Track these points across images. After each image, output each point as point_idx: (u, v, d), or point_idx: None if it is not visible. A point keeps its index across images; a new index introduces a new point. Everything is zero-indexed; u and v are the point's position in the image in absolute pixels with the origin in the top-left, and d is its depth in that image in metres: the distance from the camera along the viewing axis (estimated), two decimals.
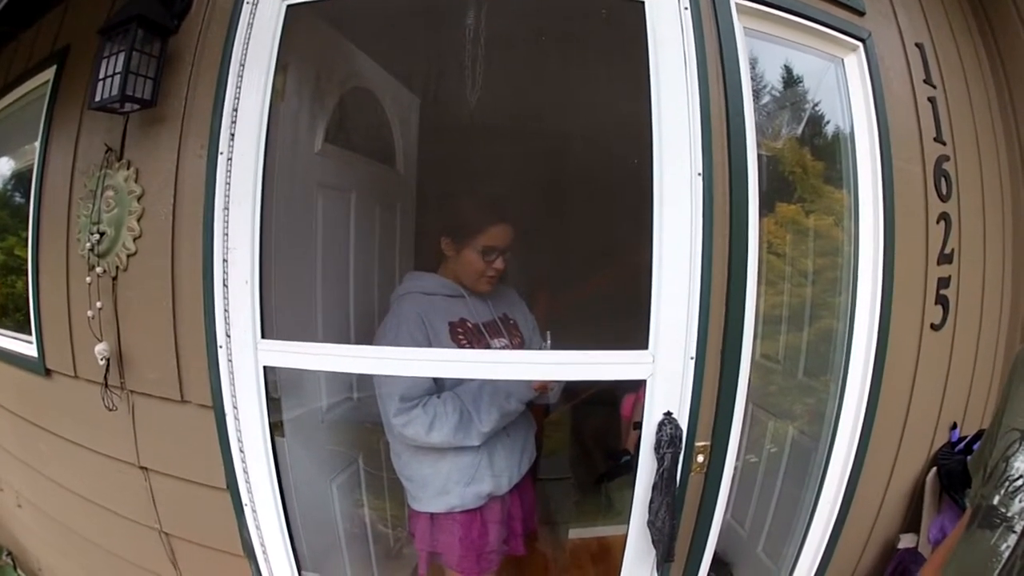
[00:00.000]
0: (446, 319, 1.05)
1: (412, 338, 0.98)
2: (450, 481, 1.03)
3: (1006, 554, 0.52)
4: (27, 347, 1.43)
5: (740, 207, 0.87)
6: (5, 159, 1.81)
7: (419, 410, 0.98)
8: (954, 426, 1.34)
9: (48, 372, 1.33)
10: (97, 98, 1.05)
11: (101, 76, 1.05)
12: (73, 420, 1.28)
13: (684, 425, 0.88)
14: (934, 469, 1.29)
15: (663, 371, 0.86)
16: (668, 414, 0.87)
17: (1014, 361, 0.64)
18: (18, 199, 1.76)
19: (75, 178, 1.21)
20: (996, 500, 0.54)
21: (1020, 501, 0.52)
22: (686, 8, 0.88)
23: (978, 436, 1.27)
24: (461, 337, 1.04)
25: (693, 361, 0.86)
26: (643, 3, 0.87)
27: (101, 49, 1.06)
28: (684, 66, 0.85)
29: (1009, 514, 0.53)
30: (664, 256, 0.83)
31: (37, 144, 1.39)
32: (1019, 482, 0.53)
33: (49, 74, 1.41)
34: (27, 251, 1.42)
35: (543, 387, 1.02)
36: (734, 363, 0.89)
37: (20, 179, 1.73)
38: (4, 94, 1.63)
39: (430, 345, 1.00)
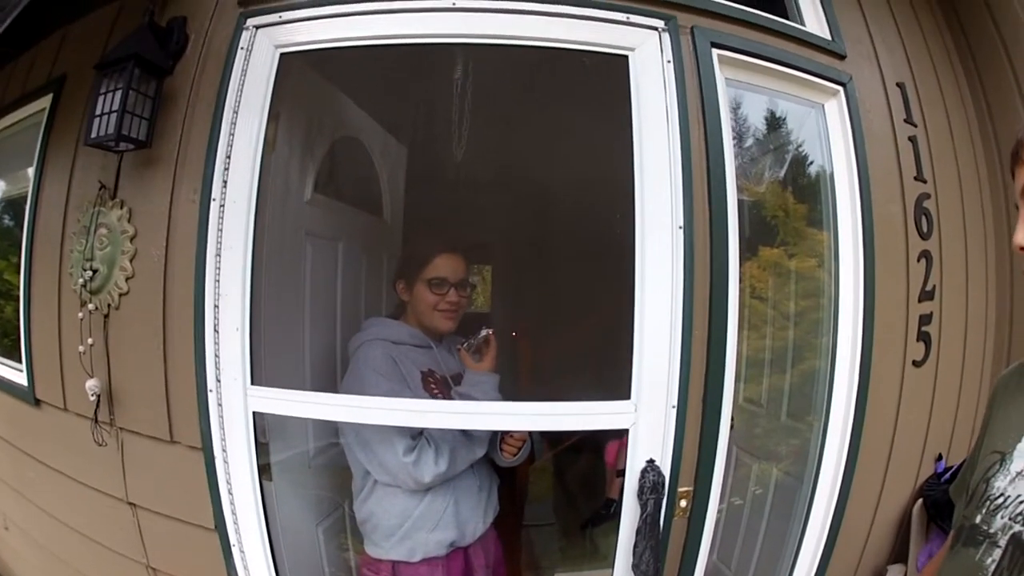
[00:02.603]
0: (418, 368, 1.05)
1: (389, 383, 0.98)
2: (414, 527, 1.02)
3: (992, 568, 0.52)
4: (17, 375, 1.44)
5: (720, 259, 0.89)
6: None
7: (424, 443, 0.99)
8: (939, 457, 1.35)
9: (38, 402, 1.33)
10: (93, 135, 1.06)
11: (97, 112, 1.06)
12: (62, 451, 1.28)
13: (667, 471, 0.90)
14: (920, 500, 1.30)
15: (646, 420, 0.87)
16: (651, 461, 0.89)
17: (994, 388, 0.66)
18: (7, 222, 1.76)
19: (69, 212, 1.23)
20: (979, 519, 0.55)
21: (1002, 517, 0.53)
22: (669, 61, 0.90)
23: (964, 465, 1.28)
24: (433, 387, 1.05)
25: (675, 410, 0.88)
26: (627, 56, 0.90)
27: (97, 85, 1.07)
28: (666, 120, 0.87)
29: (992, 530, 0.53)
30: (646, 308, 0.85)
31: (31, 173, 1.40)
32: (1000, 500, 0.54)
33: (45, 102, 1.42)
34: (19, 278, 1.43)
35: (516, 446, 1.04)
36: (715, 410, 0.90)
37: (10, 203, 1.74)
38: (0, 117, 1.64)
39: (408, 389, 1.00)
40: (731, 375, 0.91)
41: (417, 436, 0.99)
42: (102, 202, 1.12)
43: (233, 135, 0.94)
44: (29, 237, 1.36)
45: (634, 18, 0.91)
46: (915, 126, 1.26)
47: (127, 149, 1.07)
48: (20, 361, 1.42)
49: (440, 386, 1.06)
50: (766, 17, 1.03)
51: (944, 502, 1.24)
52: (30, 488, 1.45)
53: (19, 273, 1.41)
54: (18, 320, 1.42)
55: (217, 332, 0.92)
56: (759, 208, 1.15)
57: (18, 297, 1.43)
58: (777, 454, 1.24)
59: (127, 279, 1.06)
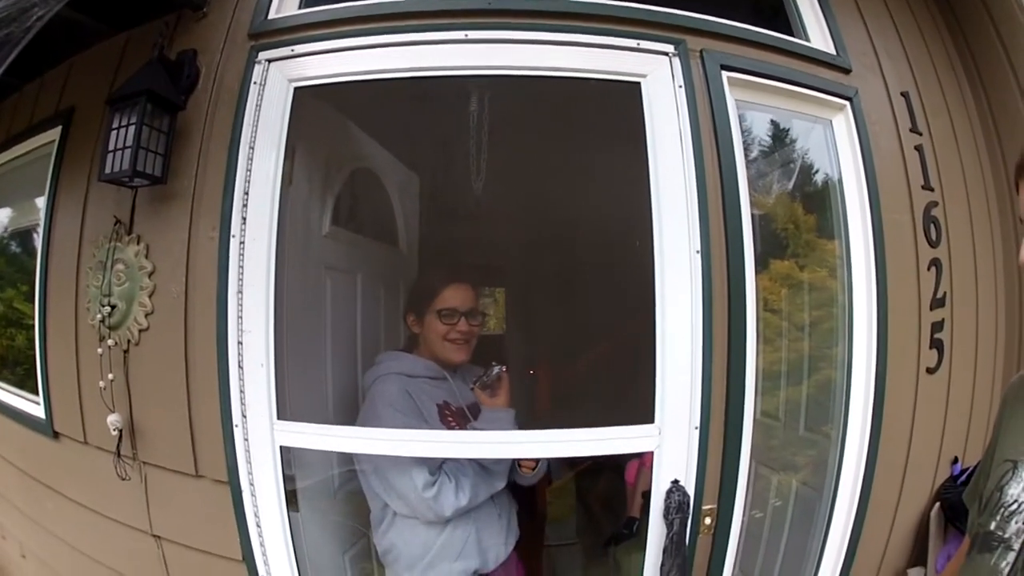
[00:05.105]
0: (433, 401, 1.06)
1: (405, 418, 0.99)
2: (437, 557, 1.03)
3: (1006, 570, 0.55)
4: (34, 407, 1.44)
5: (737, 281, 0.90)
6: (7, 210, 1.81)
7: (444, 477, 1.00)
8: (955, 460, 1.36)
9: (56, 435, 1.34)
10: (107, 171, 1.06)
11: (110, 148, 1.06)
12: (83, 484, 1.28)
13: (691, 491, 0.91)
14: (938, 504, 1.31)
15: (669, 442, 0.88)
16: (675, 482, 0.90)
17: (1004, 396, 0.68)
18: (17, 250, 1.77)
19: (83, 246, 1.23)
20: (993, 526, 0.58)
21: (1016, 523, 0.56)
22: (680, 86, 0.91)
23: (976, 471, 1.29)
24: (450, 419, 1.05)
25: (698, 431, 0.89)
26: (639, 83, 0.91)
27: (110, 120, 1.08)
28: (680, 146, 0.88)
29: (1006, 535, 0.56)
30: (667, 334, 0.86)
31: (43, 206, 1.41)
32: (1014, 506, 0.57)
33: (54, 135, 1.42)
34: (32, 309, 1.43)
35: (530, 467, 1.05)
36: (737, 429, 0.92)
37: (20, 234, 1.74)
38: (6, 148, 1.64)
39: (425, 423, 1.01)
40: (751, 393, 0.92)
41: (436, 471, 0.99)
42: (118, 237, 1.13)
43: (250, 171, 0.95)
44: (43, 270, 1.36)
45: (644, 44, 0.92)
46: (920, 134, 1.27)
47: (142, 185, 1.08)
48: (35, 392, 1.42)
49: (456, 417, 1.07)
50: (773, 36, 1.05)
51: (961, 504, 1.25)
52: (49, 519, 1.45)
53: (33, 304, 1.41)
54: (31, 350, 1.42)
55: (241, 368, 0.93)
56: (769, 222, 1.15)
57: (30, 326, 1.44)
58: (795, 464, 1.25)
59: (147, 315, 1.06)
